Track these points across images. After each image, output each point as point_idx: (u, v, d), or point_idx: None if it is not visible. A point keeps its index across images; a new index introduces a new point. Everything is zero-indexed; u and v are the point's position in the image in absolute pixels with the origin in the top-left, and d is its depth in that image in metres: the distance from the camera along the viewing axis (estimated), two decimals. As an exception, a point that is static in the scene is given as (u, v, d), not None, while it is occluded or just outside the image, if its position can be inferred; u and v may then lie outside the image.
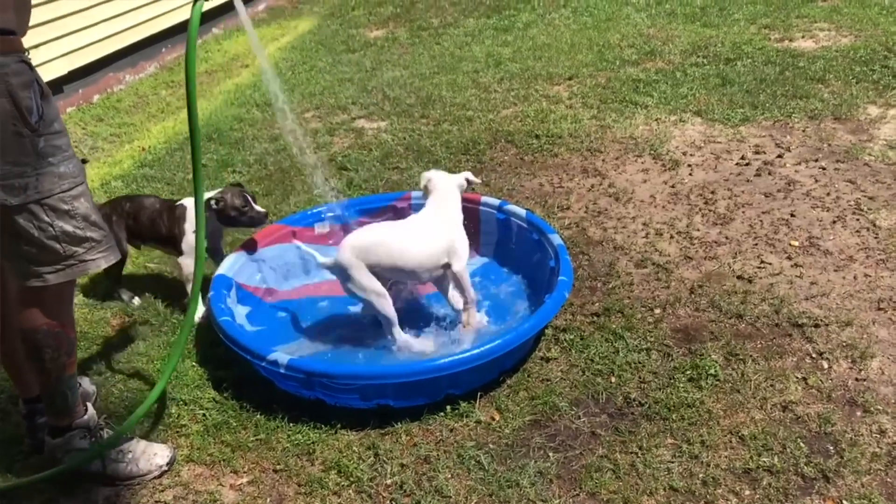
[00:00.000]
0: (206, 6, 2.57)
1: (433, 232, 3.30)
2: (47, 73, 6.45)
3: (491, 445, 2.74)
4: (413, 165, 5.00)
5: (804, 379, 2.95)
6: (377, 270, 3.20)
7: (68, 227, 2.31)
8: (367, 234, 3.29)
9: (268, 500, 2.60)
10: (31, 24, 6.46)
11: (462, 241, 3.34)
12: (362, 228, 3.38)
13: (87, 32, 6.93)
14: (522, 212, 3.75)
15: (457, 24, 8.62)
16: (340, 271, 3.24)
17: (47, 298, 2.40)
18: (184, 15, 8.16)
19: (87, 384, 3.11)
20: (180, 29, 8.25)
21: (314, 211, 4.04)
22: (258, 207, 3.65)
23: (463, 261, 3.30)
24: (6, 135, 2.13)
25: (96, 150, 5.95)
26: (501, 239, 3.85)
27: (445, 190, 3.45)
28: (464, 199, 3.94)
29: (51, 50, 6.49)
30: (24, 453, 2.84)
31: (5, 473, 2.76)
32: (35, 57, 6.10)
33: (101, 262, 2.43)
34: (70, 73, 6.77)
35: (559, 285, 3.13)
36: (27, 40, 6.03)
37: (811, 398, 2.86)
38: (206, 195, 3.54)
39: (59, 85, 6.70)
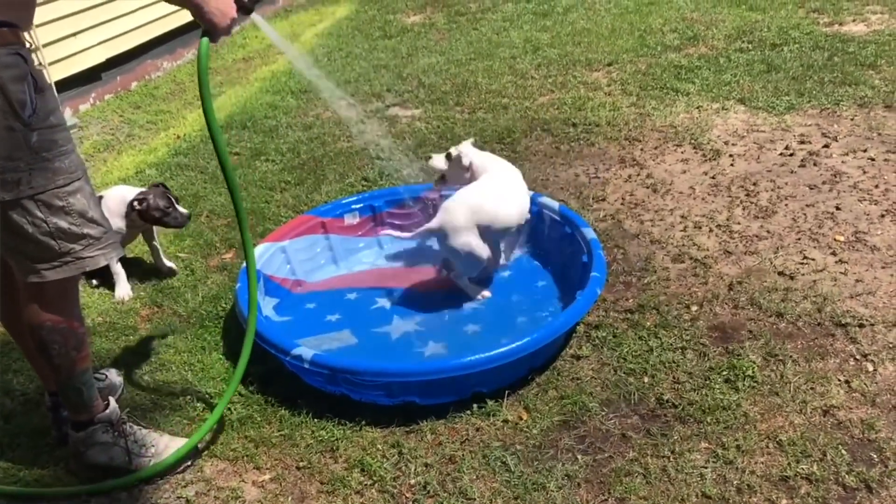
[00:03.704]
0: None
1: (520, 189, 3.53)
2: (86, 61, 6.52)
3: (518, 446, 2.67)
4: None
5: (847, 382, 2.82)
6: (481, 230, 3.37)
7: (63, 224, 2.27)
8: (471, 195, 3.40)
9: (290, 498, 2.56)
10: (70, 11, 6.46)
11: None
12: (461, 192, 3.44)
13: (126, 20, 6.96)
14: (556, 204, 3.66)
15: (495, 9, 8.50)
16: (449, 232, 3.35)
17: (49, 294, 2.37)
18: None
19: (113, 376, 3.11)
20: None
21: (344, 202, 3.99)
22: (181, 209, 3.74)
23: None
24: None
25: (132, 137, 5.99)
26: (534, 232, 3.76)
27: (485, 154, 3.65)
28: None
29: (89, 38, 6.53)
30: (50, 445, 2.85)
31: (32, 466, 2.77)
32: (73, 45, 6.26)
33: (99, 259, 2.39)
34: (108, 60, 6.82)
35: (591, 281, 3.05)
36: (65, 28, 6.04)
37: (854, 402, 2.73)
38: (131, 193, 3.72)
39: (97, 72, 6.76)
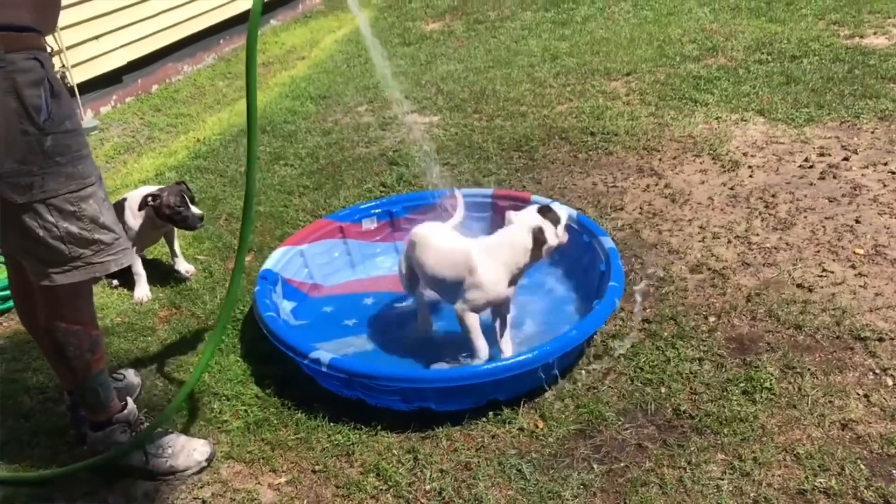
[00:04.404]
0: None
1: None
2: (107, 64, 6.58)
3: (533, 454, 2.67)
4: (464, 161, 4.94)
5: (866, 396, 2.80)
6: None
7: (73, 229, 2.27)
8: None
9: (305, 501, 2.57)
10: (92, 15, 6.52)
11: None
12: None
13: (147, 24, 7.02)
14: (573, 212, 3.65)
15: (514, 18, 8.52)
16: None
17: (62, 297, 2.38)
18: (243, 6, 8.21)
19: (131, 376, 3.13)
20: (239, 20, 8.30)
21: (362, 207, 4.01)
22: (195, 209, 3.70)
23: None
24: (12, 133, 2.09)
25: (153, 140, 6.03)
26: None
27: None
28: (513, 198, 3.89)
29: (111, 41, 6.60)
30: (69, 444, 2.87)
31: (50, 463, 2.79)
32: (95, 48, 6.33)
33: (110, 265, 2.38)
34: (129, 63, 6.88)
35: (609, 291, 3.04)
36: (88, 31, 6.09)
37: (873, 417, 2.71)
38: (147, 190, 3.73)
39: (118, 75, 6.82)
